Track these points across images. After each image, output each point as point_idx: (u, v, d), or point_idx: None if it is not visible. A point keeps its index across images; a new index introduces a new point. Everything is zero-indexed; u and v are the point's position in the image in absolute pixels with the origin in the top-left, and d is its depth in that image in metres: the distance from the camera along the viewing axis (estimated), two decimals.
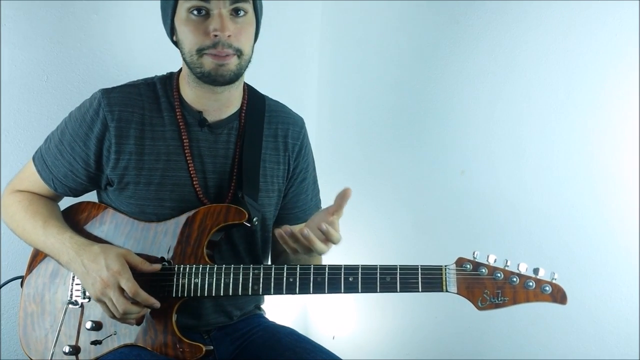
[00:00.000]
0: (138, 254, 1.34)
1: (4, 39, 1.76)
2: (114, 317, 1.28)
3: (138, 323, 1.31)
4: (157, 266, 1.30)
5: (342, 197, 1.24)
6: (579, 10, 1.68)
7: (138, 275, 1.28)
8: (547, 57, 1.76)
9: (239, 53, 1.31)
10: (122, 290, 1.24)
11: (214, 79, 1.32)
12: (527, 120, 1.82)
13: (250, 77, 1.46)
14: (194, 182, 1.39)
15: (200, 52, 1.30)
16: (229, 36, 1.28)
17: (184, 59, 1.35)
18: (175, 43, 1.39)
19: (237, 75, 1.34)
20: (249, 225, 1.36)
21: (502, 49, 1.87)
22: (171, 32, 1.37)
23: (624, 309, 1.60)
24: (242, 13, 1.31)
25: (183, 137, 1.39)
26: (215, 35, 1.28)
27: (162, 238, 1.35)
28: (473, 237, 1.95)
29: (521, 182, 1.83)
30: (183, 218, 1.36)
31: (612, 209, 1.63)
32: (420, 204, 2.14)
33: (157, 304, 1.27)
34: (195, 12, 1.29)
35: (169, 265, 1.33)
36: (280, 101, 1.57)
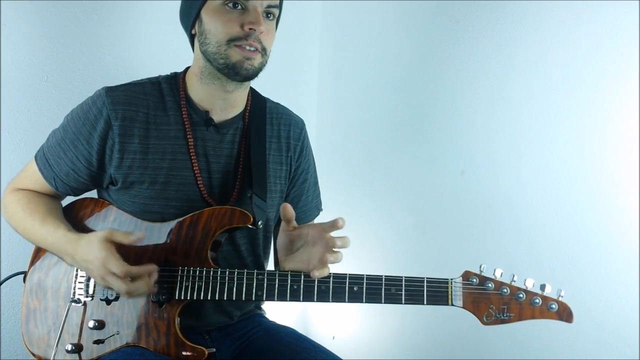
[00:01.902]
0: (139, 255, 1.34)
1: (4, 39, 1.76)
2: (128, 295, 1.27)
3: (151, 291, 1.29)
4: (140, 234, 1.28)
5: (287, 214, 1.30)
6: (579, 10, 1.69)
7: None
8: (547, 57, 1.77)
9: (263, 52, 1.33)
10: (115, 275, 1.23)
11: (237, 72, 1.32)
12: (527, 120, 1.82)
13: None
14: (199, 182, 1.38)
15: (230, 42, 1.30)
16: (261, 32, 1.31)
17: (205, 50, 1.34)
18: (192, 37, 1.39)
19: (257, 73, 1.35)
20: (253, 227, 1.36)
21: (502, 49, 1.88)
22: (192, 23, 1.37)
23: (624, 309, 1.61)
24: (271, 17, 1.36)
25: (188, 136, 1.38)
26: (251, 29, 1.29)
27: (165, 239, 1.35)
28: (473, 238, 1.96)
29: (521, 182, 1.84)
30: (187, 219, 1.35)
31: (612, 209, 1.64)
32: (420, 204, 2.14)
33: (153, 267, 1.26)
34: (230, 6, 1.31)
35: (172, 267, 1.32)
36: (281, 101, 1.58)
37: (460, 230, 2.00)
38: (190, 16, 1.37)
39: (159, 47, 2.02)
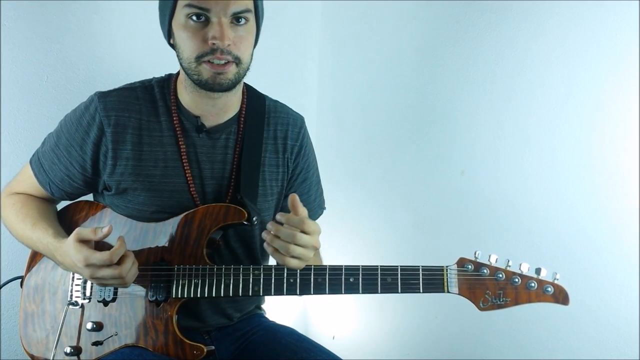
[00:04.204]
0: (136, 255, 1.33)
1: (4, 39, 1.76)
2: (124, 285, 1.26)
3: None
4: (108, 228, 1.22)
5: (294, 205, 1.21)
6: (579, 10, 1.68)
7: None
8: (547, 57, 1.76)
9: (237, 61, 1.28)
10: (102, 266, 1.21)
11: (212, 87, 1.29)
12: (527, 120, 1.82)
13: (251, 77, 1.45)
14: (191, 189, 1.38)
15: (199, 59, 1.27)
16: (228, 45, 1.25)
17: (181, 64, 1.33)
18: (172, 46, 1.36)
19: (235, 83, 1.31)
20: (248, 224, 1.36)
21: (502, 49, 1.87)
22: (168, 34, 1.34)
23: (625, 308, 1.60)
24: (243, 21, 1.28)
25: (180, 143, 1.38)
26: (214, 44, 1.24)
27: (161, 238, 1.35)
28: (473, 237, 1.95)
29: (521, 182, 1.83)
30: (182, 218, 1.35)
31: (613, 208, 1.63)
32: (420, 204, 2.14)
33: (121, 241, 1.23)
34: (194, 18, 1.25)
35: (168, 266, 1.32)
36: (281, 101, 1.56)
37: (461, 230, 2.00)
38: (164, 27, 1.34)
39: (159, 47, 2.00)
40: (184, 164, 1.38)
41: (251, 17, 1.30)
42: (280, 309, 1.92)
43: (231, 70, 1.28)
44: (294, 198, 1.22)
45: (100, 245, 1.28)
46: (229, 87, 1.31)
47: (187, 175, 1.38)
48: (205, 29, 1.25)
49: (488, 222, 1.92)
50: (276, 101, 1.54)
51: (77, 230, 1.24)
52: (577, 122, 1.70)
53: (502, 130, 1.89)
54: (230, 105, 1.42)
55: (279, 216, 1.21)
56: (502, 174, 1.89)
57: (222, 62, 1.26)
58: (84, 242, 1.23)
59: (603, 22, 1.64)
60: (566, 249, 1.72)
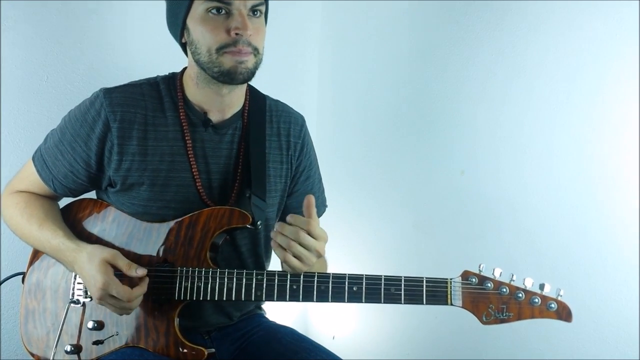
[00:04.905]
0: (138, 256, 1.34)
1: (4, 39, 1.76)
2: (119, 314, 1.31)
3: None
4: (143, 271, 1.28)
5: (308, 206, 1.25)
6: (579, 10, 1.69)
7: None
8: (547, 58, 1.77)
9: (255, 52, 1.31)
10: (115, 297, 1.25)
11: (233, 78, 1.31)
12: (528, 120, 1.82)
13: None
14: (197, 184, 1.38)
15: (220, 50, 1.29)
16: (250, 35, 1.29)
17: (197, 60, 1.33)
18: (184, 45, 1.37)
19: (253, 73, 1.34)
20: (252, 228, 1.36)
21: (502, 49, 1.88)
22: (181, 33, 1.35)
23: (624, 309, 1.61)
24: (258, 14, 1.33)
25: (186, 138, 1.38)
26: (237, 34, 1.27)
27: (164, 239, 1.35)
28: (473, 237, 1.96)
29: (521, 182, 1.84)
30: (186, 219, 1.35)
31: (612, 209, 1.64)
32: (420, 204, 2.14)
33: (146, 281, 1.29)
34: (214, 11, 1.29)
35: (171, 267, 1.32)
36: (281, 101, 1.57)
37: (461, 230, 2.00)
38: (177, 25, 1.35)
39: (159, 47, 2.00)
40: (190, 159, 1.38)
41: (264, 9, 1.35)
42: (280, 309, 1.92)
43: (250, 60, 1.31)
44: (311, 199, 1.24)
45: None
46: (248, 78, 1.33)
47: (193, 170, 1.38)
48: (227, 21, 1.29)
49: (488, 222, 1.92)
50: (277, 100, 1.56)
51: (116, 253, 1.29)
52: (577, 122, 1.70)
53: (502, 130, 1.89)
54: (235, 100, 1.43)
55: (289, 218, 1.24)
56: (502, 174, 1.89)
57: (244, 52, 1.29)
58: (111, 265, 1.27)
59: (603, 22, 1.64)
60: (566, 249, 1.72)
